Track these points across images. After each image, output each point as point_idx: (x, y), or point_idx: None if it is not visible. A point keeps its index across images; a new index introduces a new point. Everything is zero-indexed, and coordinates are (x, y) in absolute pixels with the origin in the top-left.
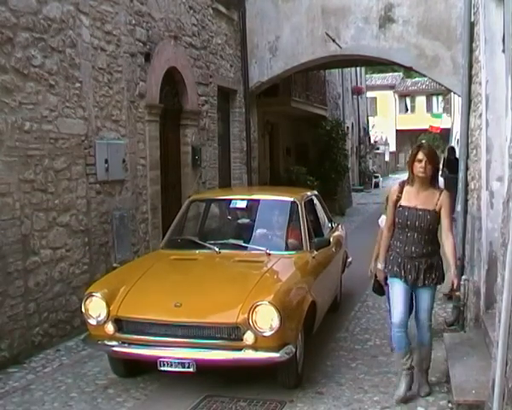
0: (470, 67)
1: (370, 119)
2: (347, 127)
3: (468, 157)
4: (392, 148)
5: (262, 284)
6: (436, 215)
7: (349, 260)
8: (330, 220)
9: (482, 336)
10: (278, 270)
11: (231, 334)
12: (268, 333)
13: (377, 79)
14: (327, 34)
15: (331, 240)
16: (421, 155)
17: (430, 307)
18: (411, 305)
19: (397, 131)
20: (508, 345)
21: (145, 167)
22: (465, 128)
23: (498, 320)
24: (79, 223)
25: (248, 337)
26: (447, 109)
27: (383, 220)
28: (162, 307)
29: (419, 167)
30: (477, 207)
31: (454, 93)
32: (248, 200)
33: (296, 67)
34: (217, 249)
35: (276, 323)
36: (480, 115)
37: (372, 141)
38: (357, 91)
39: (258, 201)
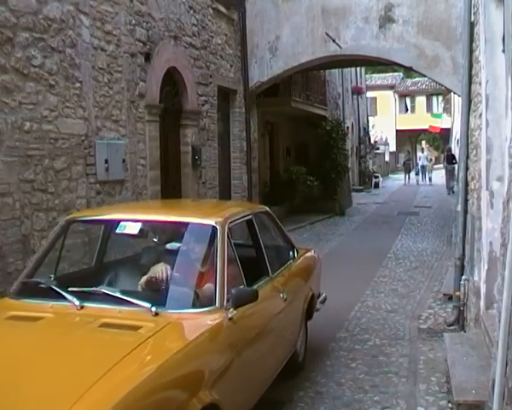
0: (470, 67)
1: (370, 119)
2: (347, 127)
3: (468, 157)
4: (392, 148)
5: (103, 385)
6: None
7: (321, 297)
8: (291, 248)
9: (482, 336)
10: (153, 348)
11: None
12: None
13: (377, 79)
14: (327, 34)
15: (284, 277)
16: None
17: None
18: None
19: (397, 131)
20: (508, 345)
21: (145, 167)
22: (465, 128)
23: (498, 320)
24: None
25: None
26: (447, 109)
27: None
28: None
29: None
30: (477, 207)
31: (454, 93)
32: (144, 222)
33: (296, 67)
34: (77, 303)
35: None
36: (480, 115)
37: (372, 141)
38: (357, 91)
39: (158, 224)
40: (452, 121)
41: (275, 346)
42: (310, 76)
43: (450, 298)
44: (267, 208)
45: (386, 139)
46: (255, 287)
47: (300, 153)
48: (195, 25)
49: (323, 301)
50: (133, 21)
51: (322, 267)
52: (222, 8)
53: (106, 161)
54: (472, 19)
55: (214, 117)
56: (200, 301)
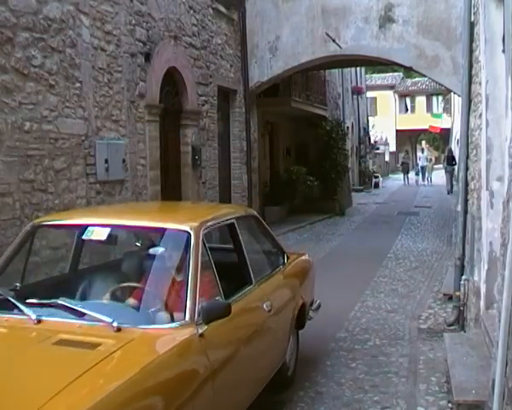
0: (470, 67)
1: (370, 119)
2: (347, 127)
3: (468, 157)
4: (392, 148)
5: None
6: None
7: (315, 305)
8: (281, 254)
9: (482, 336)
10: (111, 369)
11: None
12: None
13: (377, 79)
14: (327, 34)
15: (270, 286)
16: None
17: None
18: None
19: (397, 131)
20: (508, 345)
21: (145, 167)
22: (465, 128)
23: (498, 320)
24: None
25: None
26: (447, 109)
27: None
28: None
29: None
30: (477, 207)
31: (454, 93)
32: (113, 227)
33: (296, 67)
34: (33, 317)
35: None
36: (480, 115)
37: (372, 141)
38: (357, 91)
39: (128, 229)
40: (452, 121)
41: (256, 362)
42: (310, 76)
43: (450, 298)
44: (254, 212)
45: (386, 139)
46: (234, 298)
47: (300, 153)
48: (195, 25)
49: (317, 309)
50: (133, 21)
51: (323, 268)
52: (222, 8)
53: (106, 161)
54: (472, 19)
55: (214, 117)
56: (169, 315)
